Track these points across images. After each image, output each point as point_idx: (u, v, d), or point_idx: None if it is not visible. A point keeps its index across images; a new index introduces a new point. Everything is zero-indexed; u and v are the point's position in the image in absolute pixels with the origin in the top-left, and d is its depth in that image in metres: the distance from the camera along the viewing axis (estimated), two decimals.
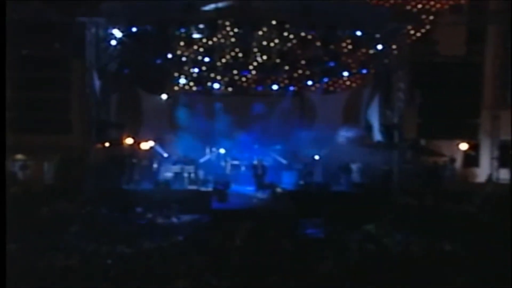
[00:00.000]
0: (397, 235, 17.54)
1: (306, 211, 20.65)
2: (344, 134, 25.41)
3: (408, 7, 24.90)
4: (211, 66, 24.94)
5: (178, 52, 24.33)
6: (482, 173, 26.36)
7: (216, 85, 26.46)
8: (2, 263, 10.45)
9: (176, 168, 24.76)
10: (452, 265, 14.07)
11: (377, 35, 23.41)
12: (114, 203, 21.22)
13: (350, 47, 24.17)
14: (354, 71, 25.48)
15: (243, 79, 26.25)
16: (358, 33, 23.18)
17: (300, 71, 25.78)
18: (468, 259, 14.34)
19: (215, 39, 23.68)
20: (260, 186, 24.03)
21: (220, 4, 22.93)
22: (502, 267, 13.08)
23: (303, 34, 23.57)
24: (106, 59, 23.28)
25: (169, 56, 24.25)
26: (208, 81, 26.23)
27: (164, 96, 27.70)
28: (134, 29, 22.70)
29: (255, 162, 24.80)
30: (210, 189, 23.71)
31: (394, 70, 23.80)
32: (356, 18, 22.85)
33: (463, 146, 25.97)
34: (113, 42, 22.93)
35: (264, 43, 23.97)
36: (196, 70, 25.39)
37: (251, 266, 13.70)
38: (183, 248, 15.76)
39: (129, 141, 25.05)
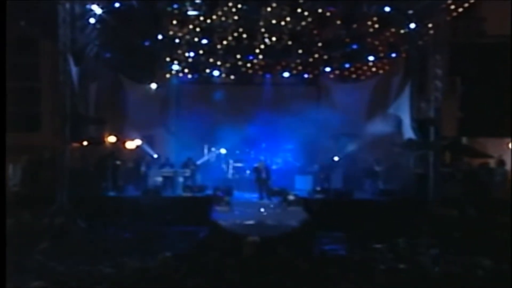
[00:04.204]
0: (434, 253, 17.36)
1: (324, 223, 20.53)
2: (369, 131, 25.26)
3: None
4: (209, 50, 24.90)
5: (170, 33, 24.25)
6: None
7: (216, 72, 26.54)
8: (2, 263, 10.76)
9: (168, 172, 24.77)
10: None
11: (410, 12, 23.18)
12: (93, 214, 21.15)
13: (376, 26, 23.98)
14: (381, 55, 25.39)
15: (248, 65, 26.25)
16: (387, 9, 22.99)
17: (316, 55, 25.69)
18: None
19: (214, 16, 23.55)
20: (268, 193, 23.88)
21: None
22: None
23: (320, 10, 23.38)
24: (83, 41, 23.07)
25: (160, 37, 24.16)
26: (206, 68, 26.21)
27: (153, 86, 27.71)
28: (117, 4, 22.54)
29: (257, 164, 24.51)
30: (208, 196, 23.56)
31: (430, 53, 23.53)
32: None
33: None
34: (92, 20, 22.75)
35: (273, 21, 23.83)
36: (191, 54, 25.35)
37: None
38: (176, 267, 15.63)
39: (111, 139, 25.03)
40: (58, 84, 22.46)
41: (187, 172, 24.87)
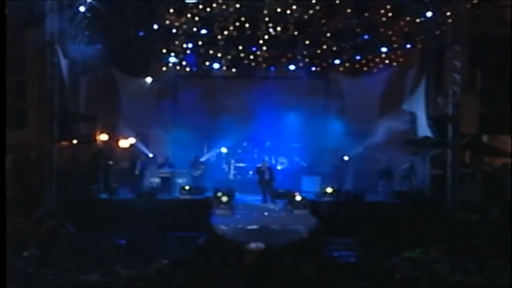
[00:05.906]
0: (452, 260, 17.31)
1: (333, 228, 20.54)
2: (382, 128, 25.18)
3: None
4: (209, 41, 24.81)
5: (167, 22, 24.16)
6: None
7: (216, 65, 26.43)
8: (2, 263, 11.11)
9: (165, 172, 24.73)
10: None
11: None
12: (84, 218, 21.12)
13: (390, 14, 23.86)
14: (395, 46, 25.28)
15: (251, 57, 26.16)
16: None
17: (324, 47, 25.61)
18: None
19: (214, 5, 23.46)
20: (272, 195, 23.83)
21: None
22: None
23: None
24: (73, 31, 23.05)
25: (155, 27, 24.08)
26: (205, 60, 26.15)
27: (148, 80, 27.66)
28: None
29: (260, 165, 24.43)
30: (208, 198, 23.47)
31: (448, 44, 23.47)
32: None
33: None
34: (82, 9, 22.68)
35: (278, 10, 23.72)
36: (190, 45, 25.28)
37: None
38: (173, 275, 15.64)
39: (103, 137, 24.98)
40: (46, 77, 22.42)
41: (186, 173, 24.85)
